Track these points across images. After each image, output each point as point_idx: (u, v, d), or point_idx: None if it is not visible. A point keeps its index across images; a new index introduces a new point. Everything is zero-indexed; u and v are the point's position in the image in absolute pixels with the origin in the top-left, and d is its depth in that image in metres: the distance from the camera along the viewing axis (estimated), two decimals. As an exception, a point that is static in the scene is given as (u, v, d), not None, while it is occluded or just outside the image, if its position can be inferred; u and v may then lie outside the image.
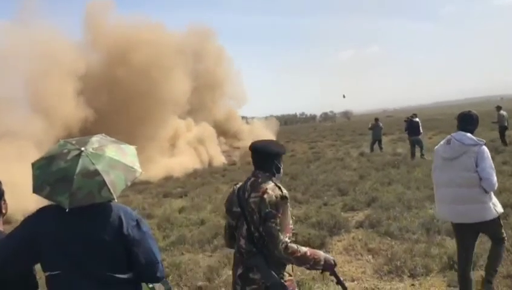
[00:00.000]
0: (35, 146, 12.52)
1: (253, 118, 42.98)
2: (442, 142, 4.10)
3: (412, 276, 5.07)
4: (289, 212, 2.64)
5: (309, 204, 9.35)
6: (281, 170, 2.85)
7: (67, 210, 1.93)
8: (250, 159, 11.60)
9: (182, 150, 20.31)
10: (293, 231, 6.74)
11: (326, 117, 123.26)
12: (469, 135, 3.89)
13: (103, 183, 1.98)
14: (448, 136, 4.01)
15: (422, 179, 10.72)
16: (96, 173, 1.99)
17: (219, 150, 24.81)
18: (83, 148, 2.08)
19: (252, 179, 2.75)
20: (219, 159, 22.55)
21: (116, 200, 2.04)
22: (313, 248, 6.18)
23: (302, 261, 2.56)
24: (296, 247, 2.53)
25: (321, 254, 2.61)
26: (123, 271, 2.09)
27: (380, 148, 19.05)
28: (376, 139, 19.06)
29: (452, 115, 54.76)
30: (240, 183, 2.88)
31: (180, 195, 12.45)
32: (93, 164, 2.02)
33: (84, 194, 1.95)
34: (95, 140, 2.19)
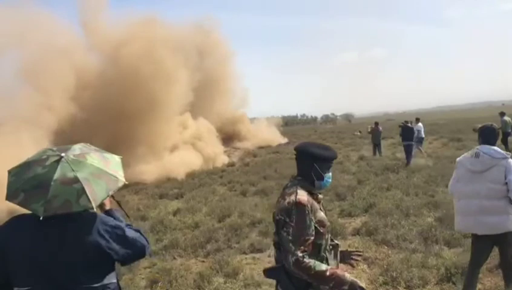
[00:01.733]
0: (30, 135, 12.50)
1: (253, 118, 42.91)
2: (467, 155, 4.14)
3: (408, 288, 4.91)
4: (308, 221, 2.31)
5: (306, 209, 9.20)
6: (325, 178, 2.49)
7: (41, 218, 1.82)
8: (249, 160, 11.48)
9: (180, 148, 19.97)
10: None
11: (327, 119, 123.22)
12: (495, 148, 3.99)
13: (82, 191, 1.88)
14: (475, 150, 4.04)
15: (421, 186, 10.60)
16: (75, 180, 1.90)
17: (221, 149, 24.37)
18: (63, 154, 1.98)
19: (287, 183, 2.56)
20: (221, 159, 22.15)
21: (95, 210, 1.93)
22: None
23: (318, 280, 2.27)
24: (311, 264, 2.23)
25: (347, 276, 2.29)
26: (102, 280, 2.00)
27: (380, 152, 18.92)
28: (375, 143, 18.94)
29: (453, 120, 54.69)
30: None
31: (176, 196, 12.33)
32: (73, 170, 1.92)
33: (61, 202, 1.85)
34: (78, 147, 2.11)
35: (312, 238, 2.33)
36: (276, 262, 2.54)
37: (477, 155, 3.97)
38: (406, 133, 15.72)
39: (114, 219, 2.19)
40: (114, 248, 1.99)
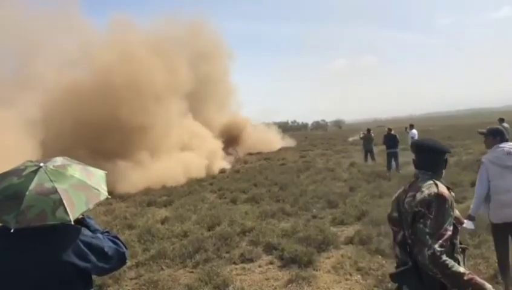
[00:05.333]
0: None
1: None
2: (496, 155, 4.39)
3: (404, 300, 4.75)
4: (447, 216, 2.23)
5: (297, 217, 9.04)
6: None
7: (12, 231, 1.67)
8: (239, 167, 11.26)
9: (173, 154, 19.28)
10: (281, 247, 6.22)
11: (318, 125, 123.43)
12: None
13: (60, 203, 1.74)
14: (503, 149, 4.37)
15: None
16: (53, 190, 1.76)
17: (219, 146, 23.68)
18: (42, 164, 1.87)
19: (413, 179, 2.53)
20: (219, 162, 21.53)
21: (72, 223, 1.77)
22: (300, 265, 5.88)
23: (454, 283, 2.12)
24: (449, 262, 2.10)
25: (487, 287, 2.11)
26: None
27: (372, 158, 18.85)
28: (367, 150, 18.87)
29: (443, 127, 55.01)
30: (401, 189, 2.66)
31: (165, 204, 12.06)
32: (51, 181, 1.79)
33: (35, 213, 1.70)
34: (59, 159, 2.00)
35: (450, 233, 2.22)
36: (398, 264, 2.47)
37: (509, 153, 4.32)
38: (389, 141, 15.72)
39: (89, 227, 2.06)
40: (93, 261, 1.87)
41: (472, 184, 11.11)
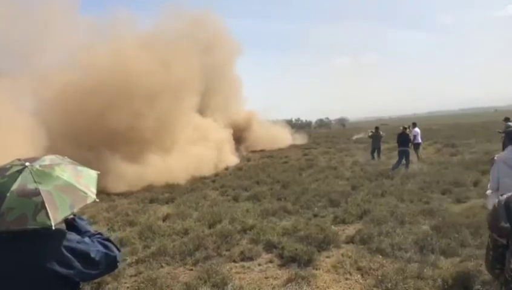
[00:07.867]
0: None
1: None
2: (509, 156, 4.42)
3: (404, 300, 4.72)
4: None
5: (299, 215, 9.00)
6: None
7: None
8: (242, 165, 11.16)
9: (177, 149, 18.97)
10: (281, 245, 6.14)
11: (321, 123, 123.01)
12: None
13: (41, 206, 1.64)
14: None
15: (416, 192, 10.43)
16: (35, 192, 1.66)
17: (228, 135, 23.38)
18: (27, 164, 1.76)
19: None
20: (229, 158, 21.27)
21: (54, 228, 1.66)
22: (300, 264, 5.84)
23: None
24: None
25: None
26: None
27: (379, 156, 18.99)
28: (375, 148, 19.06)
29: (446, 126, 54.73)
30: (509, 194, 2.20)
31: (167, 201, 12.03)
32: (35, 181, 1.69)
33: (15, 216, 1.61)
34: (48, 158, 1.89)
35: None
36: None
37: None
38: (402, 139, 15.79)
39: (78, 229, 1.97)
40: (77, 268, 1.77)
41: (475, 184, 11.09)
